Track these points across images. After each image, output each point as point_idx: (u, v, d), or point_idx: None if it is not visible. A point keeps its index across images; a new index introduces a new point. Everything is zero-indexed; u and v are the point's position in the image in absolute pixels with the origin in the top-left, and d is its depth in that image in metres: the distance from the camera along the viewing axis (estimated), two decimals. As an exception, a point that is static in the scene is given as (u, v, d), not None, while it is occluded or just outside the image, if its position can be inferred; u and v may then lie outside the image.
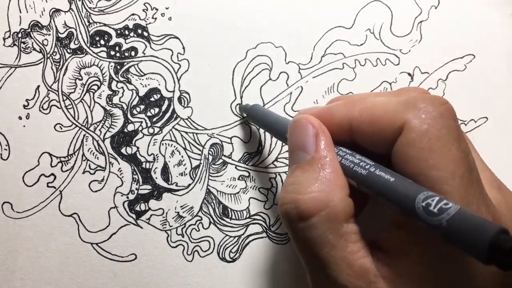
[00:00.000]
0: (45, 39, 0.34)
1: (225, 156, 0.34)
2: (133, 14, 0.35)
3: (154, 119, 0.34)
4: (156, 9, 0.35)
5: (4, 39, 0.34)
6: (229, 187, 0.34)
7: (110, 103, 0.34)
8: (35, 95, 0.34)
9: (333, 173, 0.22)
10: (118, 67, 0.34)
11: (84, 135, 0.34)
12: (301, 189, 0.21)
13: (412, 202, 0.18)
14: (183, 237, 0.34)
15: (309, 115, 0.24)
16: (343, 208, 0.21)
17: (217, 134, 0.34)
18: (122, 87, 0.34)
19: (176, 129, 0.34)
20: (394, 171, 0.21)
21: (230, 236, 0.34)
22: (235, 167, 0.34)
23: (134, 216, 0.34)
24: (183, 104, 0.34)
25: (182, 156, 0.34)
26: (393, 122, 0.21)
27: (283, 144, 0.35)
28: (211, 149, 0.34)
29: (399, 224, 0.22)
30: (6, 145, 0.34)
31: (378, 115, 0.22)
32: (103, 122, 0.34)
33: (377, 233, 0.23)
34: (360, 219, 0.23)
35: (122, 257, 0.33)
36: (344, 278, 0.20)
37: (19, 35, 0.34)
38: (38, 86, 0.34)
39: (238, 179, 0.34)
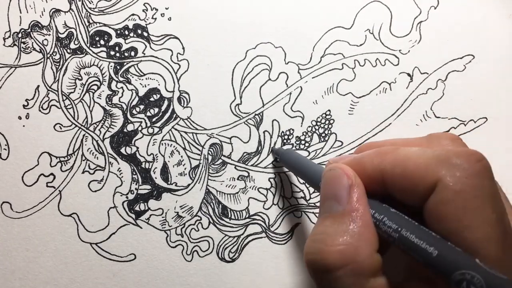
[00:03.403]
0: (45, 39, 0.34)
1: (224, 156, 0.34)
2: (133, 15, 0.35)
3: (154, 119, 0.34)
4: (156, 10, 0.35)
5: (4, 39, 0.34)
6: (229, 187, 0.34)
7: (109, 103, 0.34)
8: (35, 95, 0.34)
9: (363, 227, 0.21)
10: (118, 67, 0.34)
11: (83, 135, 0.34)
12: (329, 240, 0.21)
13: (448, 277, 0.18)
14: (182, 237, 0.34)
15: (344, 164, 0.24)
16: (370, 264, 0.20)
17: (216, 134, 0.34)
18: (122, 87, 0.34)
19: (175, 129, 0.34)
20: (427, 226, 0.21)
21: (230, 236, 0.34)
22: (235, 167, 0.34)
23: (133, 216, 0.34)
24: (182, 104, 0.34)
25: (181, 156, 0.34)
26: (426, 178, 0.20)
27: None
28: (211, 149, 0.34)
29: (426, 279, 0.21)
30: (5, 145, 0.34)
31: (411, 169, 0.21)
32: (102, 122, 0.34)
33: (402, 283, 0.22)
34: (384, 260, 0.22)
35: (121, 257, 0.33)
36: None
37: (19, 35, 0.34)
38: (38, 86, 0.34)
39: (238, 179, 0.34)
